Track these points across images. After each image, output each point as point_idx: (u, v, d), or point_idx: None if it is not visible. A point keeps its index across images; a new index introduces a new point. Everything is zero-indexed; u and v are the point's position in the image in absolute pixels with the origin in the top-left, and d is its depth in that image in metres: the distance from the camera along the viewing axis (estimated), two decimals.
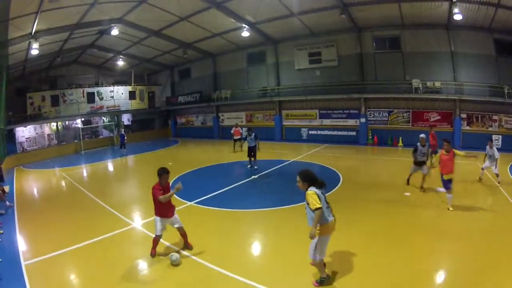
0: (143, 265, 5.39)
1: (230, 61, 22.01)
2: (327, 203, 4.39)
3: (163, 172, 5.31)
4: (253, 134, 12.23)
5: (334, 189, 9.37)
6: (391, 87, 19.01)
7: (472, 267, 4.90)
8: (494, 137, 19.56)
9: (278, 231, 6.71)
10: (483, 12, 18.14)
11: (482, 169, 10.73)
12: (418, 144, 9.50)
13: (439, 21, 18.88)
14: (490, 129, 19.56)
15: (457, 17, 16.87)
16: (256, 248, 6.12)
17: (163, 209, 5.38)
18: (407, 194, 8.89)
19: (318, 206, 4.05)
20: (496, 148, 10.47)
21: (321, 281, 4.52)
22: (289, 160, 13.97)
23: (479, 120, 19.67)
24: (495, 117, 19.61)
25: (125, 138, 19.48)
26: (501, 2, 16.96)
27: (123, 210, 8.28)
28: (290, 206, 7.92)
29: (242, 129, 18.18)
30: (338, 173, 11.37)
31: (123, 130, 22.36)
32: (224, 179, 10.88)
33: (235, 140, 17.22)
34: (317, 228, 4.19)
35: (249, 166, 12.45)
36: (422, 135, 9.61)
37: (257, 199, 8.71)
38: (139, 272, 5.19)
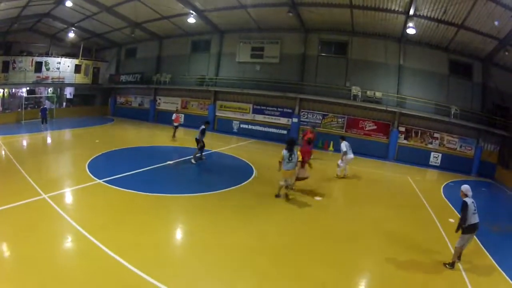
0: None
1: (175, 45, 21.30)
2: (290, 158, 7.56)
3: None
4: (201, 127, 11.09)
5: (243, 183, 9.21)
6: (329, 91, 18.08)
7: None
8: (433, 154, 18.59)
9: (176, 218, 6.67)
10: (442, 31, 17.55)
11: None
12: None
13: (392, 33, 18.28)
14: (429, 145, 18.53)
15: (410, 31, 16.24)
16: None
17: None
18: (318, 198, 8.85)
19: (279, 160, 7.61)
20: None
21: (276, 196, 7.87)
22: (211, 150, 13.16)
23: (419, 135, 18.53)
24: (436, 135, 18.55)
25: (47, 112, 18.40)
26: (464, 24, 16.46)
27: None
28: (195, 194, 7.86)
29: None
30: (254, 168, 11.12)
31: (45, 104, 21.44)
32: (141, 162, 10.21)
33: (176, 127, 15.96)
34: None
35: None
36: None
37: (163, 185, 8.51)
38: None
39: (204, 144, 11.05)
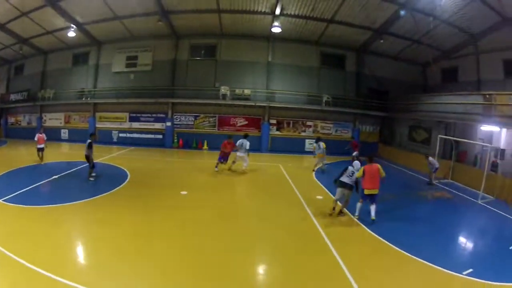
0: None
1: (58, 60, 21.16)
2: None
3: None
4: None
5: (116, 188, 9.58)
6: (200, 93, 18.56)
7: None
8: (308, 141, 19.31)
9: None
10: (311, 26, 18.23)
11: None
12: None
13: (260, 32, 18.95)
14: (303, 133, 19.24)
15: (276, 30, 16.94)
16: None
17: None
18: (184, 193, 9.53)
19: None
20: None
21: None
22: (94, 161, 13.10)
23: (291, 125, 19.20)
24: (309, 123, 19.27)
25: None
26: (335, 18, 17.10)
27: None
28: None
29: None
30: (128, 173, 11.60)
31: None
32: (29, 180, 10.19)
33: (40, 149, 12.99)
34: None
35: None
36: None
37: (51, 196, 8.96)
38: None
39: (91, 158, 10.49)
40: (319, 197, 9.84)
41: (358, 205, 7.86)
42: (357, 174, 7.74)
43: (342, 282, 5.07)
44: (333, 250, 6.18)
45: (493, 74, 16.12)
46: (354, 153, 14.18)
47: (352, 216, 8.02)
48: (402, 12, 15.21)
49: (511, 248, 7.07)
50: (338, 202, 8.09)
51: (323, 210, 8.43)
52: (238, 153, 12.19)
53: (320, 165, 13.68)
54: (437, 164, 12.41)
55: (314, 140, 15.29)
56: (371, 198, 7.74)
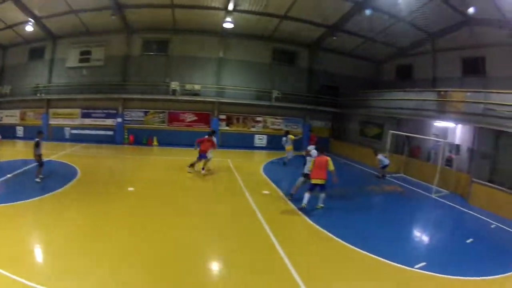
0: None
1: (16, 55, 21.10)
2: None
3: None
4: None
5: (65, 186, 9.57)
6: (150, 88, 18.82)
7: None
8: (257, 136, 19.70)
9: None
10: (264, 22, 18.46)
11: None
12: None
13: (213, 28, 19.17)
14: (252, 129, 19.57)
15: (228, 25, 17.15)
16: None
17: None
18: (131, 189, 9.69)
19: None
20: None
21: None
22: (43, 160, 12.93)
23: (241, 121, 19.53)
24: (259, 119, 19.62)
25: None
26: (288, 14, 17.31)
27: None
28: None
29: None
30: (79, 171, 11.61)
31: None
32: None
33: None
34: None
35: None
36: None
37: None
38: None
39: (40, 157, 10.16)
40: (265, 192, 10.06)
41: (306, 195, 8.21)
42: (309, 166, 8.37)
43: (281, 269, 5.26)
44: (273, 237, 6.41)
45: (450, 72, 16.52)
46: (310, 147, 14.37)
47: (296, 207, 8.44)
48: (358, 10, 15.45)
49: (469, 241, 7.03)
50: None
51: (268, 204, 8.90)
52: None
53: (290, 157, 14.38)
54: (386, 161, 12.64)
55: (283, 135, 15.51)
56: (320, 188, 8.31)
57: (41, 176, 9.98)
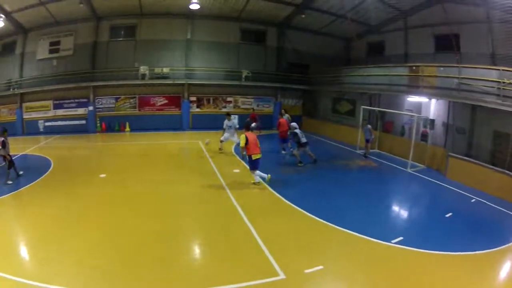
0: None
1: None
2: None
3: None
4: None
5: (39, 178, 9.70)
6: (119, 74, 19.03)
7: None
8: (232, 116, 19.64)
9: None
10: (231, 2, 18.50)
11: (221, 141, 13.55)
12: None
13: (179, 10, 19.25)
14: (224, 109, 19.71)
15: (194, 6, 17.20)
16: None
17: None
18: (103, 175, 10.00)
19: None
20: (231, 126, 13.57)
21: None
22: (18, 155, 13.09)
23: (211, 102, 19.65)
24: (230, 99, 19.73)
25: None
26: None
27: None
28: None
29: None
30: (52, 162, 11.77)
31: None
32: None
33: None
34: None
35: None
36: None
37: None
38: None
39: (11, 157, 9.52)
40: (235, 170, 10.45)
41: (257, 172, 8.67)
42: (241, 143, 8.59)
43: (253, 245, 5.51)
44: (246, 219, 6.56)
45: (423, 49, 16.46)
46: (253, 124, 14.54)
47: (255, 184, 8.85)
48: None
49: (448, 216, 6.86)
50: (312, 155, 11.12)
51: (237, 181, 9.24)
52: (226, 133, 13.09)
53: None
54: (372, 135, 12.80)
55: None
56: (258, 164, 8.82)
57: (10, 182, 9.14)
